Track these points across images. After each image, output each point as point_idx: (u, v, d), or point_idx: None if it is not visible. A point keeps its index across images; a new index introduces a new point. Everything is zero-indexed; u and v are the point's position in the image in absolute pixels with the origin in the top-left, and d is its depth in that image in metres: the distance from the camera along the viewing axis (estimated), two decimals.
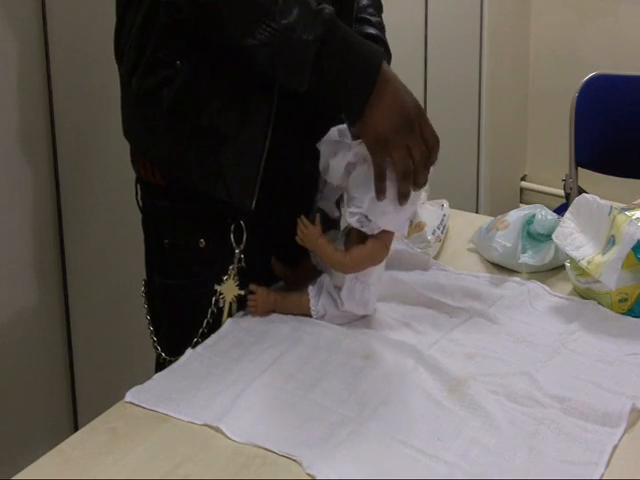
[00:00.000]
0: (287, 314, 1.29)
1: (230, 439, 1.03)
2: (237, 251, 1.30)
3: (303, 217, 1.25)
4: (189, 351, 1.22)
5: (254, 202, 1.27)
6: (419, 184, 1.20)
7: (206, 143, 1.26)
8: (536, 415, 1.06)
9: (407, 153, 1.17)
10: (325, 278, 1.28)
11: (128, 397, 1.12)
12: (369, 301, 1.27)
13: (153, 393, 1.12)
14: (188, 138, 1.27)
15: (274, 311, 1.30)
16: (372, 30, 1.40)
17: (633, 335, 1.26)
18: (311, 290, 1.28)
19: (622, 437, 1.03)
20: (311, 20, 1.15)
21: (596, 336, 1.26)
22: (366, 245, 1.23)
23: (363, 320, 1.29)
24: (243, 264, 1.31)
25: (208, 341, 1.25)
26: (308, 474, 0.97)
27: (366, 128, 1.18)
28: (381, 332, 1.25)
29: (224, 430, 1.04)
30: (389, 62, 1.37)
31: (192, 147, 1.27)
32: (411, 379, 1.13)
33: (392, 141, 1.17)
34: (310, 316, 1.28)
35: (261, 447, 1.01)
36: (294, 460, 0.99)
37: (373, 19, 1.42)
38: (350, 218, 1.22)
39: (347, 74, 1.17)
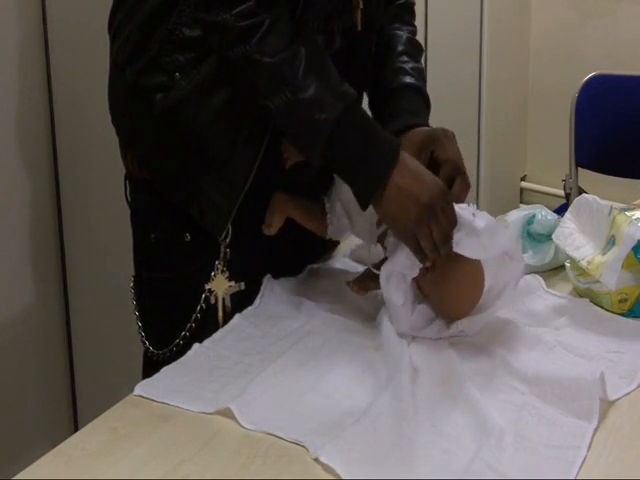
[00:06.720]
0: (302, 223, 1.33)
1: (229, 439, 1.03)
2: (222, 247, 1.30)
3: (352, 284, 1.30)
4: (196, 345, 1.22)
5: (224, 233, 1.28)
6: (443, 252, 1.19)
7: (190, 162, 1.27)
8: (516, 402, 1.07)
9: (430, 235, 1.17)
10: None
11: (137, 390, 1.12)
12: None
13: (161, 387, 1.13)
14: (173, 150, 1.28)
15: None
16: (409, 79, 1.38)
17: (620, 334, 1.26)
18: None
19: (599, 420, 1.04)
20: (330, 100, 1.16)
21: (582, 333, 1.26)
22: None
23: (369, 314, 1.29)
24: (229, 257, 1.31)
25: (215, 335, 1.25)
26: (315, 459, 0.97)
27: (387, 219, 1.21)
28: (386, 325, 1.24)
29: (235, 412, 1.04)
30: (428, 111, 1.38)
31: (175, 159, 1.28)
32: (407, 370, 1.13)
33: (417, 231, 1.17)
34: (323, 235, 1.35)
35: (270, 434, 1.02)
36: (303, 446, 1.00)
37: (408, 66, 1.39)
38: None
39: (361, 160, 1.18)
